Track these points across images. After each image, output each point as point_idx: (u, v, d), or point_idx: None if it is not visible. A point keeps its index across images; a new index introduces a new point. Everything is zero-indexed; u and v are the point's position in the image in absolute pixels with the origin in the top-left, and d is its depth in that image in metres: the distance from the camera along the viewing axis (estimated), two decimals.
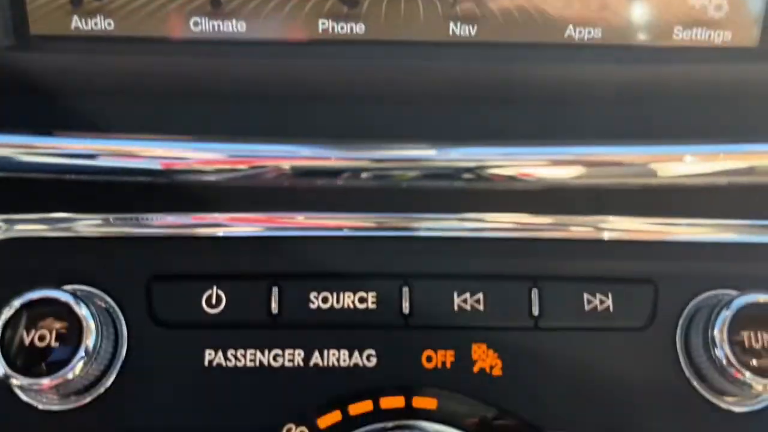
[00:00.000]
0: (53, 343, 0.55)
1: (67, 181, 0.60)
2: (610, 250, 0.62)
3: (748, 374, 0.56)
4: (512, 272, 0.61)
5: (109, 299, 0.60)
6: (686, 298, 0.61)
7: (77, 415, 0.58)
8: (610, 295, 0.61)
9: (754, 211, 0.64)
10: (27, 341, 0.55)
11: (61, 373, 0.54)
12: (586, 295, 0.61)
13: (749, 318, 0.57)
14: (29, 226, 0.63)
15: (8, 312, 0.55)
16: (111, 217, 0.63)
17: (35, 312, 0.56)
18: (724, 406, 0.60)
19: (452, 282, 0.60)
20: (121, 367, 0.59)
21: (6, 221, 0.63)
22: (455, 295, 0.60)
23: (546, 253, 0.62)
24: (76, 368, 0.55)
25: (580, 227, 0.63)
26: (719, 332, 0.57)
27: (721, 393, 0.59)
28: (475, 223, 0.63)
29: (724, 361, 0.57)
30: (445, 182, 0.59)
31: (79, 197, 0.62)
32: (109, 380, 0.58)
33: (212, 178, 0.59)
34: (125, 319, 0.59)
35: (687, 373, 0.60)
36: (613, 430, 0.58)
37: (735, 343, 0.57)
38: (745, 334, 0.57)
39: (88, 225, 0.62)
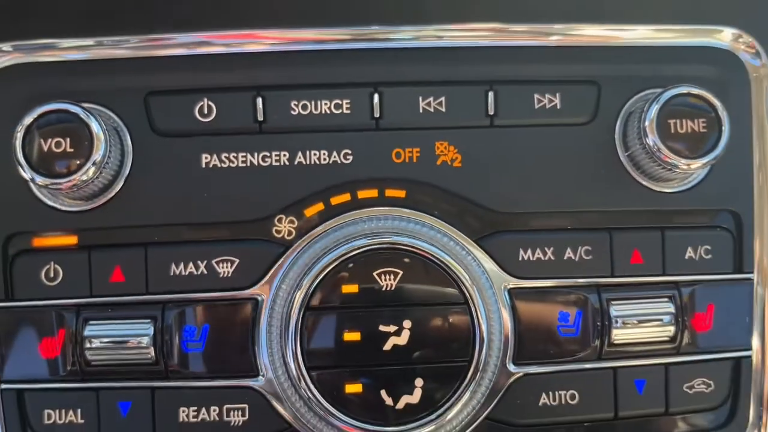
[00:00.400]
0: (68, 149, 0.63)
1: (63, 6, 0.65)
2: (558, 55, 0.69)
3: (673, 156, 0.65)
4: (470, 77, 0.68)
5: (112, 115, 0.67)
6: (625, 96, 0.69)
7: (93, 214, 0.66)
8: (557, 95, 0.68)
9: (686, 17, 0.70)
10: (45, 148, 0.63)
11: (76, 175, 0.62)
12: (536, 95, 0.68)
13: (674, 109, 0.65)
14: (33, 51, 0.68)
15: (28, 120, 0.61)
16: (105, 39, 0.68)
17: (50, 122, 0.62)
18: (656, 188, 0.69)
19: (417, 88, 0.67)
20: (129, 174, 0.67)
21: (14, 47, 0.68)
22: (420, 99, 0.67)
23: (500, 59, 0.68)
24: (89, 171, 0.63)
25: (530, 35, 0.69)
26: (649, 122, 0.65)
27: (653, 178, 0.69)
28: (437, 34, 0.68)
29: (654, 147, 0.65)
30: None
31: (76, 23, 0.68)
32: (119, 185, 0.66)
33: None
34: (129, 131, 0.67)
35: (624, 161, 0.68)
36: (558, 205, 0.67)
37: (663, 131, 0.65)
38: (671, 123, 0.66)
39: (86, 48, 0.68)
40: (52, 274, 0.65)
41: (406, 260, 0.63)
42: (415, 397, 0.62)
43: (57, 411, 0.65)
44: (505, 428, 0.66)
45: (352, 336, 0.62)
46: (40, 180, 0.62)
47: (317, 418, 0.63)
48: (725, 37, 0.70)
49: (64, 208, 0.66)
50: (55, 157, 0.63)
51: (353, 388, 0.62)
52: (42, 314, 0.65)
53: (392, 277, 0.63)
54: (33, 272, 0.66)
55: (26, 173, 0.62)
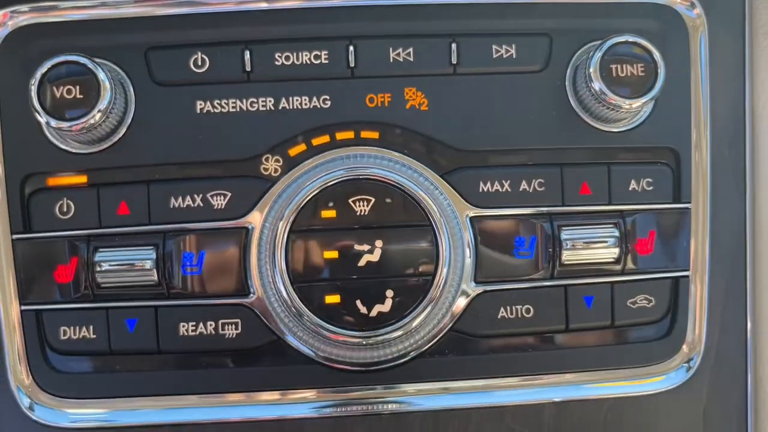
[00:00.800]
0: (78, 96, 0.71)
1: None
2: (514, 11, 0.77)
3: (616, 97, 0.72)
4: (435, 31, 0.76)
5: (116, 68, 0.75)
6: (574, 46, 0.77)
7: (101, 156, 0.74)
8: (513, 46, 0.76)
9: None
10: (57, 95, 0.71)
11: (85, 118, 0.70)
12: (494, 46, 0.76)
13: (616, 56, 0.73)
14: (46, 11, 0.76)
15: (43, 69, 0.69)
16: (108, 0, 0.76)
17: (62, 73, 0.70)
18: (604, 128, 0.76)
19: (387, 40, 0.75)
20: (132, 120, 0.74)
21: (13, 12, 0.76)
22: (390, 50, 0.75)
23: (462, 14, 0.76)
24: (96, 116, 0.70)
25: None
26: (594, 68, 0.73)
27: (600, 119, 0.76)
28: None
29: (599, 91, 0.73)
30: None
31: None
32: (123, 130, 0.74)
33: None
34: (131, 82, 0.74)
35: (574, 104, 0.76)
36: (514, 143, 0.75)
37: (606, 76, 0.73)
38: (613, 68, 0.73)
39: (91, 8, 0.75)
40: (65, 209, 0.74)
41: (379, 190, 0.71)
42: (386, 306, 0.70)
43: (71, 328, 0.73)
44: (468, 338, 0.74)
45: (330, 254, 0.70)
46: (53, 123, 0.70)
47: (302, 327, 0.71)
48: None
49: (74, 150, 0.74)
50: (66, 103, 0.71)
51: (333, 299, 0.70)
52: (56, 244, 0.73)
53: (366, 203, 0.71)
54: (48, 208, 0.74)
55: (41, 117, 0.70)
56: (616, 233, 0.75)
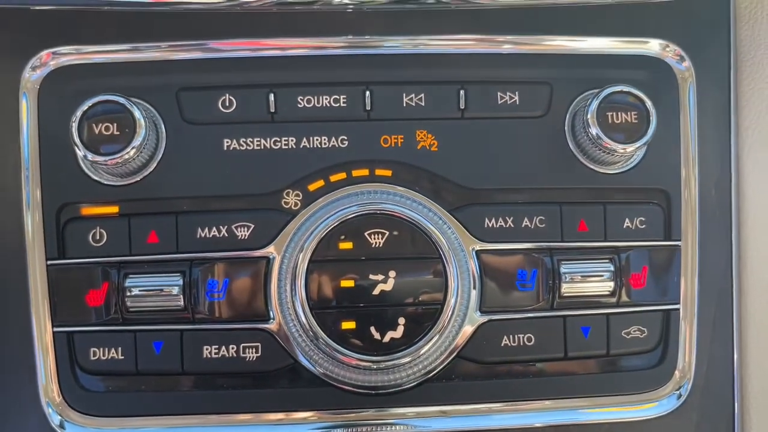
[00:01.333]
0: (115, 133, 0.76)
1: (101, 14, 0.79)
2: (518, 61, 0.83)
3: (611, 142, 0.78)
4: (445, 78, 0.82)
5: (149, 107, 0.80)
6: (573, 94, 0.83)
7: (133, 188, 0.79)
8: (517, 93, 0.82)
9: (625, 31, 0.85)
10: (96, 131, 0.76)
11: (121, 153, 0.75)
12: (499, 93, 0.82)
13: (611, 104, 0.79)
14: (74, 56, 0.81)
15: (82, 108, 0.75)
16: (141, 45, 0.82)
17: (100, 111, 0.76)
18: (600, 170, 0.82)
19: (401, 86, 0.81)
20: (162, 155, 0.80)
21: (55, 53, 0.82)
22: (404, 95, 0.81)
23: (470, 64, 0.83)
24: (131, 152, 0.76)
25: (495, 44, 0.83)
26: (591, 115, 0.78)
27: (597, 161, 0.82)
28: (418, 42, 0.83)
29: (596, 136, 0.78)
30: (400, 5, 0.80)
31: (113, 29, 0.82)
32: (153, 164, 0.79)
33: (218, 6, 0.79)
34: (163, 121, 0.80)
35: (572, 147, 0.82)
36: (518, 183, 0.81)
37: (603, 122, 0.79)
38: (609, 115, 0.79)
39: (124, 52, 0.81)
40: (97, 237, 0.79)
41: (392, 224, 0.77)
42: (398, 333, 0.75)
43: (101, 349, 0.78)
44: (473, 365, 0.79)
45: (347, 283, 0.75)
46: (90, 156, 0.75)
47: (318, 351, 0.76)
48: (654, 47, 0.84)
49: (107, 182, 0.79)
50: (103, 139, 0.76)
51: (348, 325, 0.75)
52: (89, 270, 0.78)
53: (380, 236, 0.76)
54: (81, 236, 0.79)
55: (80, 151, 0.75)
56: (612, 268, 0.80)
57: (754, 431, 0.84)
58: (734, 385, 0.83)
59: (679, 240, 0.83)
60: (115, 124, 0.76)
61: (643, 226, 0.82)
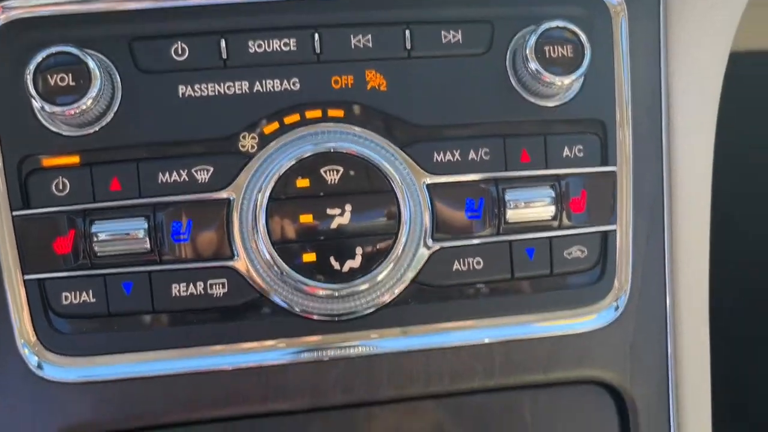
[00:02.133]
0: (70, 84, 0.78)
1: None
2: (460, 1, 0.86)
3: (549, 75, 0.83)
4: (391, 19, 0.85)
5: (103, 57, 0.81)
6: (513, 31, 0.87)
7: (92, 138, 0.81)
8: (460, 32, 0.86)
9: None
10: (51, 82, 0.77)
11: (78, 104, 0.77)
12: (443, 32, 0.85)
13: (548, 39, 0.83)
14: (24, 9, 0.81)
15: (36, 60, 0.76)
16: None
17: (55, 63, 0.77)
18: (540, 103, 0.87)
19: (349, 28, 0.84)
20: (119, 104, 0.81)
21: (5, 8, 0.82)
22: (351, 37, 0.84)
23: (415, 4, 0.85)
24: (88, 102, 0.77)
25: None
26: (530, 51, 0.83)
27: (537, 95, 0.86)
28: None
29: (535, 70, 0.83)
30: None
31: None
32: (111, 114, 0.81)
33: None
34: (117, 70, 0.82)
35: (514, 82, 0.86)
36: (463, 118, 0.85)
37: (541, 57, 0.83)
38: (546, 49, 0.84)
39: (75, 3, 0.82)
40: (60, 187, 0.81)
41: (346, 161, 0.80)
42: (356, 263, 0.80)
43: (72, 293, 0.81)
44: (428, 288, 0.85)
45: (306, 218, 0.79)
46: (48, 108, 0.77)
47: (282, 284, 0.80)
48: None
49: (66, 133, 0.81)
50: (59, 90, 0.77)
51: (309, 257, 0.79)
52: (55, 219, 0.80)
53: (335, 173, 0.80)
54: (45, 186, 0.81)
55: (37, 103, 0.77)
56: (553, 194, 0.85)
57: (685, 331, 0.92)
58: (666, 295, 0.91)
59: (615, 165, 0.89)
60: (70, 75, 0.78)
61: (581, 155, 0.87)
